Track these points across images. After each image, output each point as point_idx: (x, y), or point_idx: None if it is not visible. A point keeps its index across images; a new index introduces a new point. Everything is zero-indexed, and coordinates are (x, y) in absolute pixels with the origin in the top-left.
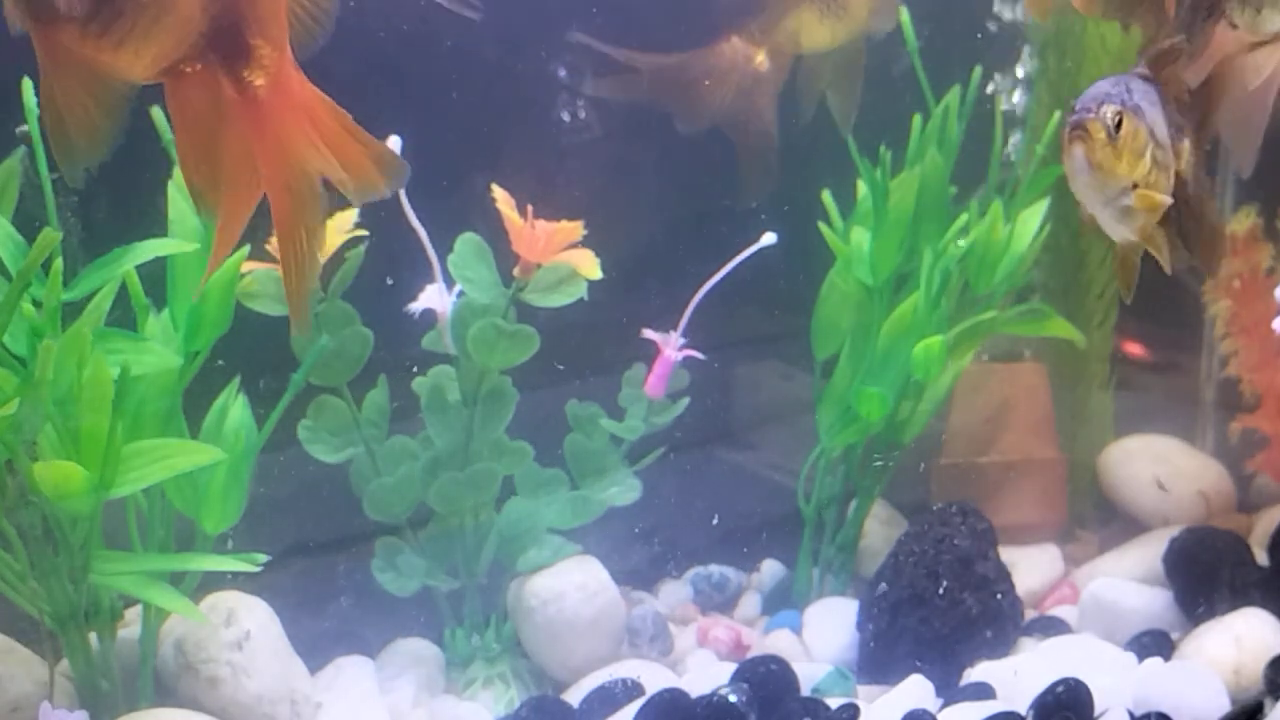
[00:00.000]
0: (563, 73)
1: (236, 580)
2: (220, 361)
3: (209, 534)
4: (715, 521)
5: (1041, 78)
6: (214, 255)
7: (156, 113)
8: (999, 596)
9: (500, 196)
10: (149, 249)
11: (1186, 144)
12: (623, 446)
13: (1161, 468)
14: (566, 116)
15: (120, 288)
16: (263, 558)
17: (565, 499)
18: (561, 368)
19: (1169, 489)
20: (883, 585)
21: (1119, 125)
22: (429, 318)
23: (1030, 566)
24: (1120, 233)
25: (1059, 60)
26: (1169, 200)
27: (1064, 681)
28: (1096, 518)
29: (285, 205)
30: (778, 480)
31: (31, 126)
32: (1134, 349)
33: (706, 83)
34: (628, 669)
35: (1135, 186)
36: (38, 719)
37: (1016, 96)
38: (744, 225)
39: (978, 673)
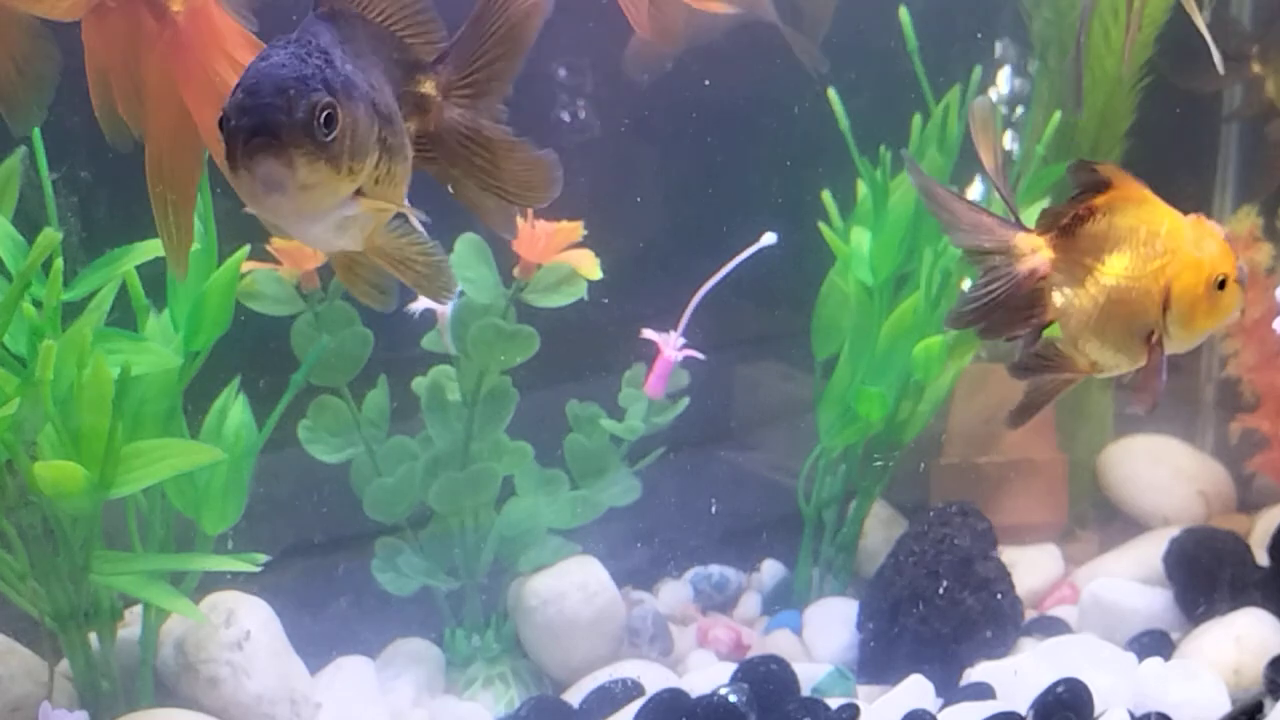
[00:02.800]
0: (563, 72)
1: (236, 580)
2: (220, 361)
3: (209, 534)
4: (715, 524)
5: (1043, 77)
6: (152, 188)
7: None
8: (999, 596)
9: None
10: (149, 249)
11: (438, 82)
12: (623, 446)
13: (1161, 467)
14: (567, 116)
15: (120, 288)
16: (263, 558)
17: (565, 499)
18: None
19: (1170, 490)
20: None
21: (329, 120)
22: (429, 318)
23: (1030, 566)
24: (337, 245)
25: (1060, 60)
26: (400, 206)
27: (1064, 681)
28: (1096, 518)
29: (211, 134)
30: (778, 480)
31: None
32: None
33: None
34: (628, 669)
35: (359, 192)
36: (37, 719)
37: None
38: (744, 224)
39: (978, 673)
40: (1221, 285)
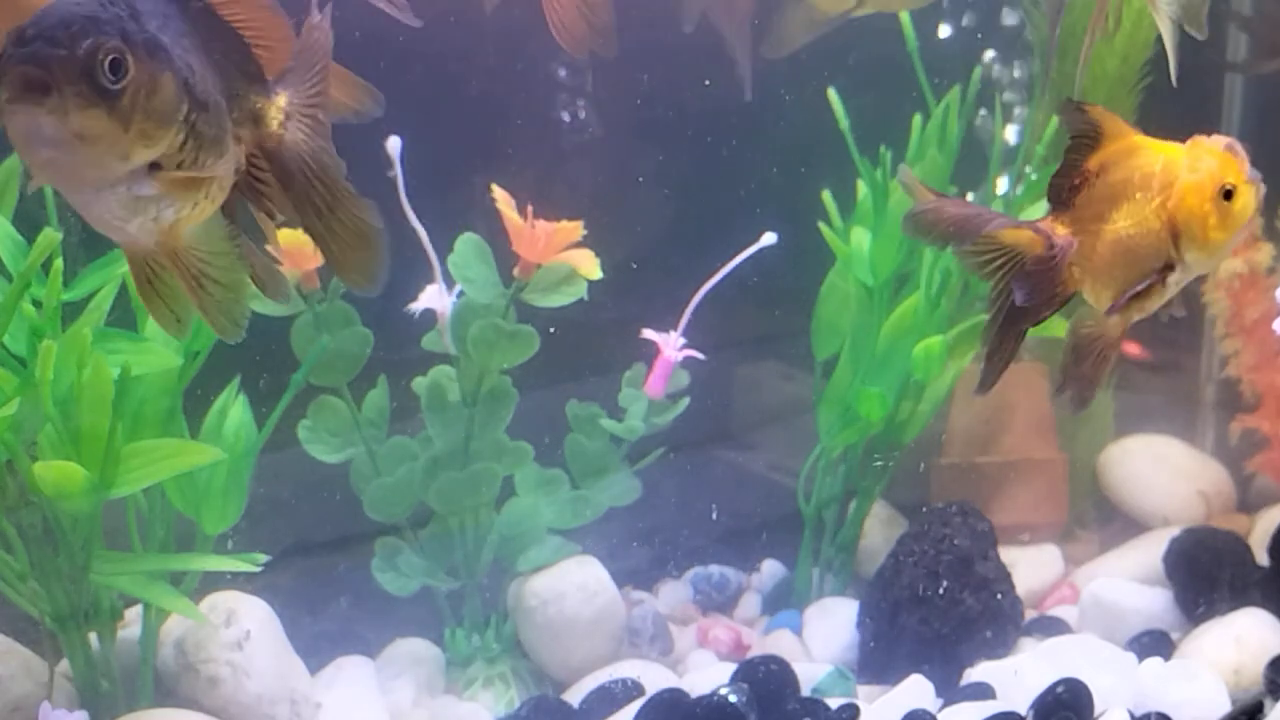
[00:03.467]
0: (563, 72)
1: (236, 580)
2: (220, 361)
3: (209, 534)
4: (715, 524)
5: (1043, 78)
6: None
7: None
8: (999, 596)
9: (500, 196)
10: None
11: (281, 99)
12: (623, 446)
13: (1161, 467)
14: (567, 116)
15: (120, 288)
16: (263, 558)
17: (565, 499)
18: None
19: (1170, 490)
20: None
21: (115, 66)
22: (429, 318)
23: (1030, 566)
24: (128, 231)
25: (1060, 61)
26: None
27: (1064, 681)
28: (1096, 518)
29: None
30: (778, 480)
31: None
32: (1134, 349)
33: None
34: (628, 669)
35: (158, 167)
36: (37, 719)
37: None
38: (744, 224)
39: (978, 673)
40: (1229, 195)
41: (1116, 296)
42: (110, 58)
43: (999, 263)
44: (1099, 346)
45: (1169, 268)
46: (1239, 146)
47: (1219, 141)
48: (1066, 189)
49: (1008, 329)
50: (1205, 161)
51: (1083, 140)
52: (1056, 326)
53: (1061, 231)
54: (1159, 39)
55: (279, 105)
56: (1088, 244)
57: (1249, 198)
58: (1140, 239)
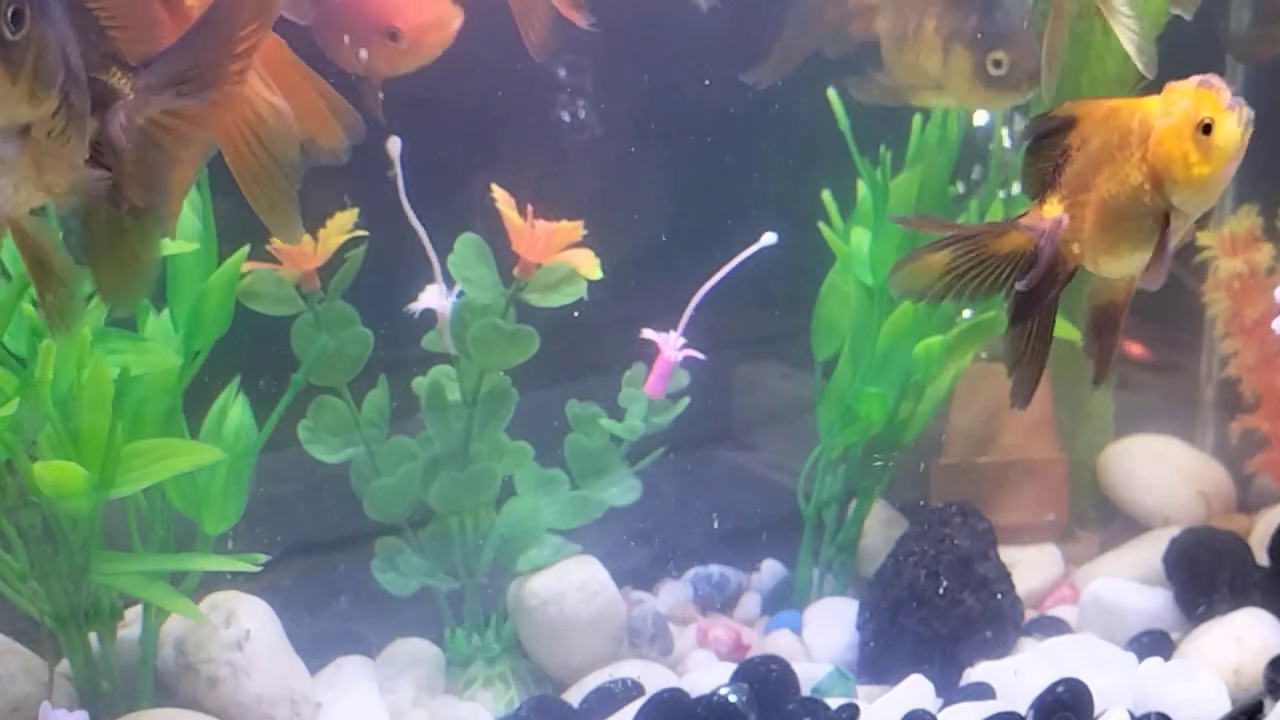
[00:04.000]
0: (563, 73)
1: (236, 580)
2: (220, 361)
3: (209, 534)
4: (715, 524)
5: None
6: None
7: None
8: (999, 596)
9: (500, 196)
10: None
11: (129, 77)
12: (623, 446)
13: (1161, 467)
14: (566, 116)
15: None
16: (263, 558)
17: (565, 499)
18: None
19: (1170, 490)
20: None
21: (16, 18)
22: (429, 318)
23: (1030, 566)
24: None
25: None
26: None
27: (1064, 681)
28: (1096, 518)
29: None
30: (778, 480)
31: None
32: (1134, 349)
33: None
34: (628, 669)
35: (27, 133)
36: (38, 719)
37: None
38: (744, 224)
39: (978, 673)
40: (1209, 129)
41: (1116, 262)
42: (12, 10)
43: (997, 273)
44: (1114, 312)
45: (1165, 218)
46: (1215, 80)
47: (1189, 84)
48: (1051, 170)
49: (1027, 329)
50: (1178, 105)
51: (1056, 128)
52: (1057, 326)
53: (1050, 212)
54: (1160, 37)
55: (128, 84)
56: (1078, 217)
57: (1230, 125)
58: (1125, 197)
